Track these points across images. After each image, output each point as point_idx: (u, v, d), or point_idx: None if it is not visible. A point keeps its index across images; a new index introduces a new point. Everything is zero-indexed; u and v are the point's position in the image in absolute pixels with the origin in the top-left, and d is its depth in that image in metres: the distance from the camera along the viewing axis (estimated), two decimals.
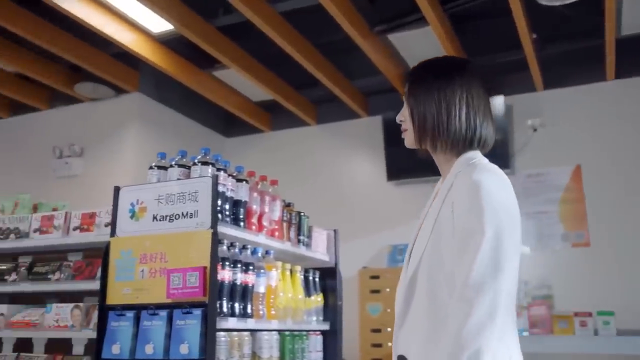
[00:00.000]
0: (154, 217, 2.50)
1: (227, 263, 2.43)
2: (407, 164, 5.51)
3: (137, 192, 2.58)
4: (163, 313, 2.35)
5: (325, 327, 3.37)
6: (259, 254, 2.80)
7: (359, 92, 6.47)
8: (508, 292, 1.34)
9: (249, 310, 2.59)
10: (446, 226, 1.44)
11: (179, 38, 5.29)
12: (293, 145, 6.89)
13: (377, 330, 5.54)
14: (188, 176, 2.55)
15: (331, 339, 3.38)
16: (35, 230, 3.01)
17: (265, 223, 2.84)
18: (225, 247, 2.56)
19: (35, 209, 3.59)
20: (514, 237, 1.39)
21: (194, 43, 5.13)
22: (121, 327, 2.40)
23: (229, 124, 7.23)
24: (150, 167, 2.66)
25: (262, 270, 2.73)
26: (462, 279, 1.33)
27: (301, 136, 6.90)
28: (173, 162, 2.61)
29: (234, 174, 2.70)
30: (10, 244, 3.05)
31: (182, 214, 2.45)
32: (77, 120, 6.38)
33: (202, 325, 2.26)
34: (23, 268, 3.02)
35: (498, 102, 5.58)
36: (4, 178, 6.45)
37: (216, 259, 2.34)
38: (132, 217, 2.55)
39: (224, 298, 2.41)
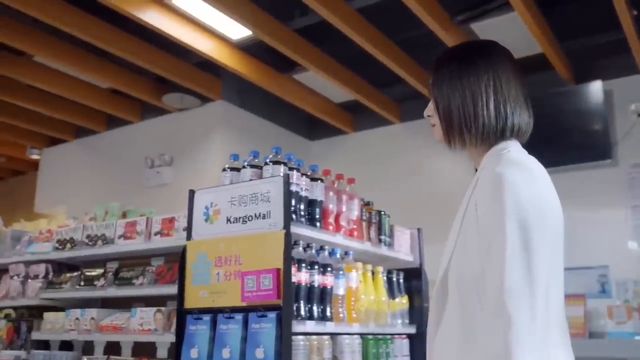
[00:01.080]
0: (228, 219, 2.47)
1: (303, 265, 2.36)
2: None
3: (211, 194, 2.56)
4: (239, 317, 2.31)
5: (412, 330, 3.22)
6: (338, 255, 2.70)
7: None
8: (545, 297, 1.19)
9: (328, 313, 2.49)
10: (472, 225, 1.31)
11: (258, 43, 5.31)
12: (377, 145, 6.75)
13: None
14: (260, 177, 2.50)
15: (418, 343, 3.22)
16: (119, 237, 3.08)
17: (343, 223, 2.74)
18: (301, 249, 2.49)
19: (124, 216, 3.70)
20: (547, 236, 1.24)
21: (272, 47, 5.14)
22: (199, 331, 2.38)
23: (312, 127, 7.21)
24: (223, 169, 2.64)
25: (341, 272, 2.64)
26: (492, 289, 1.20)
27: (385, 136, 6.75)
28: (245, 163, 2.58)
29: (309, 173, 2.63)
30: (98, 250, 3.15)
31: (255, 215, 2.40)
32: (166, 131, 6.60)
33: (277, 329, 2.19)
34: (110, 273, 3.10)
35: (595, 88, 5.18)
36: (103, 188, 6.78)
37: (290, 261, 2.27)
38: (206, 220, 2.53)
39: (301, 301, 2.33)
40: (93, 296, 3.20)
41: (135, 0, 4.63)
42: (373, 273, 2.99)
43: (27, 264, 3.50)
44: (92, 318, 3.02)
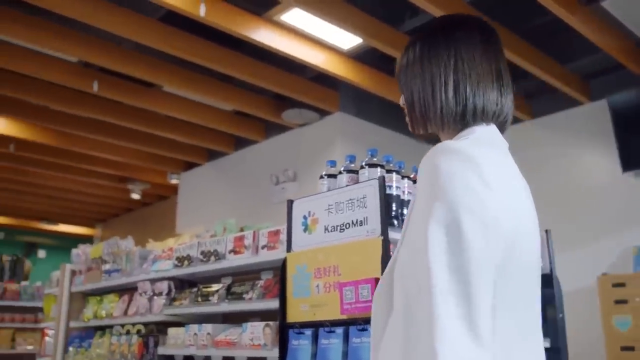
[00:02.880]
0: (325, 228, 2.36)
1: None
2: None
3: (309, 203, 2.47)
4: (339, 330, 2.17)
5: (545, 344, 2.87)
6: None
7: (577, 77, 5.70)
8: (487, 303, 0.97)
9: None
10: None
11: (370, 50, 5.22)
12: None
13: (629, 348, 4.69)
14: (357, 182, 2.36)
15: (554, 358, 2.86)
16: (230, 251, 3.09)
17: None
18: None
19: (241, 232, 3.74)
20: (491, 233, 1.01)
21: (384, 53, 5.01)
22: (301, 346, 2.28)
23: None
24: (320, 177, 2.53)
25: None
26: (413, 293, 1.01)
27: (515, 134, 6.29)
28: (342, 169, 2.45)
29: (411, 176, 2.45)
30: (211, 265, 3.19)
31: (352, 222, 2.26)
32: (289, 147, 6.69)
33: None
34: (223, 288, 3.12)
35: None
36: (234, 207, 7.02)
37: None
38: (305, 230, 2.44)
39: None
40: (208, 312, 3.24)
41: (246, 21, 4.75)
42: None
43: (153, 281, 3.65)
44: (209, 333, 3.05)
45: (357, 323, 2.12)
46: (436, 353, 0.91)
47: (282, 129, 6.79)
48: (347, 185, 2.36)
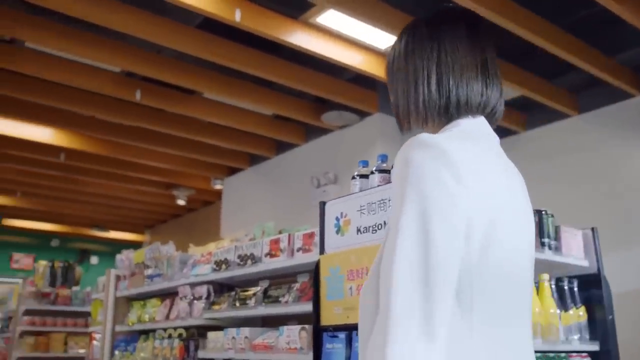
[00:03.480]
0: (358, 230, 2.31)
1: None
2: None
3: (341, 205, 2.43)
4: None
5: (594, 347, 2.75)
6: None
7: (626, 68, 5.47)
8: (445, 304, 0.96)
9: None
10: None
11: None
12: (550, 140, 6.14)
13: None
14: (388, 181, 2.31)
15: None
16: (266, 255, 3.08)
17: None
18: None
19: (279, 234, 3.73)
20: (460, 232, 0.99)
21: None
22: (335, 349, 2.24)
23: None
24: (353, 177, 2.49)
25: None
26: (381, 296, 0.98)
27: (561, 130, 6.10)
28: (374, 169, 2.41)
29: None
30: (248, 269, 3.18)
31: (384, 222, 2.21)
32: (329, 150, 6.67)
33: None
34: (260, 292, 3.11)
35: None
36: (277, 211, 7.04)
37: None
38: (337, 231, 2.40)
39: None
40: (246, 315, 3.24)
41: (282, 25, 4.75)
42: (537, 282, 2.61)
43: (193, 285, 3.67)
44: (246, 337, 3.05)
45: None
46: (385, 353, 0.92)
47: (322, 131, 6.78)
48: (378, 186, 2.31)
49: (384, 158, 2.44)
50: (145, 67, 5.46)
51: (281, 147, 7.45)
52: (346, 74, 5.71)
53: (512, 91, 5.73)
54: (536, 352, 2.44)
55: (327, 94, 5.82)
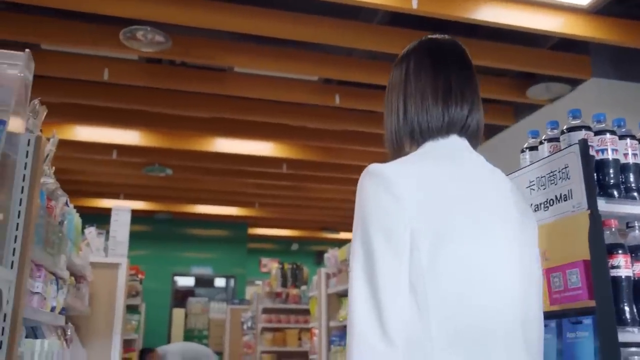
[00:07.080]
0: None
1: (619, 252, 1.76)
2: None
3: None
4: (552, 324, 1.86)
5: None
6: None
7: None
8: (396, 309, 1.09)
9: None
10: None
11: (611, 1, 4.49)
12: None
13: None
14: (559, 150, 2.01)
15: None
16: None
17: None
18: (638, 232, 1.89)
19: None
20: (401, 245, 1.12)
21: None
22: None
23: None
24: (522, 150, 2.24)
25: None
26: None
27: None
28: (542, 138, 2.13)
29: (638, 135, 2.01)
30: None
31: (556, 197, 1.93)
32: (541, 126, 6.12)
33: (594, 339, 1.68)
34: None
35: None
36: None
37: (601, 249, 1.73)
38: None
39: (624, 301, 1.73)
40: None
41: (463, 3, 4.51)
42: None
43: None
44: None
45: (569, 315, 1.80)
46: (351, 352, 1.08)
47: (531, 108, 6.26)
48: (547, 157, 2.03)
49: (554, 124, 2.15)
50: (339, 71, 5.63)
51: (490, 130, 7.05)
52: (548, 41, 5.20)
53: None
54: None
55: (530, 67, 5.37)
